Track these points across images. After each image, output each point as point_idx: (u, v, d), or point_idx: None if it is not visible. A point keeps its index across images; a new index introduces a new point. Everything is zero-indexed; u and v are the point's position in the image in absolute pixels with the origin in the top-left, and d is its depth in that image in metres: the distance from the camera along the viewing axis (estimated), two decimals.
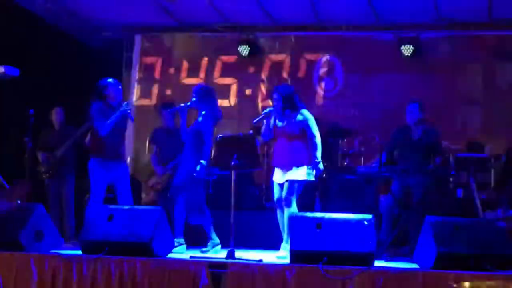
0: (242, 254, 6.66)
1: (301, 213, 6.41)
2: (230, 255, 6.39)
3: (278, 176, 7.27)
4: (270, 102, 11.08)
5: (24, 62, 8.50)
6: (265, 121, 7.33)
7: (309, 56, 11.14)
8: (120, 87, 7.76)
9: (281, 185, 7.23)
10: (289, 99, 7.23)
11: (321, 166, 7.17)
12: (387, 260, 7.13)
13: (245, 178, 9.01)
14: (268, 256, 6.73)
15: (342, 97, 11.00)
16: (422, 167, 7.86)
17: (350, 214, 6.24)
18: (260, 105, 11.17)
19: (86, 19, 10.63)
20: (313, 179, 7.20)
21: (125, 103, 7.67)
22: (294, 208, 7.05)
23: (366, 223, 6.06)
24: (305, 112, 7.26)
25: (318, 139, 7.19)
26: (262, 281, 5.82)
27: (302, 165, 7.12)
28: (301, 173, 7.10)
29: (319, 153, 7.17)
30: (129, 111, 7.60)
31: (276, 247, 7.24)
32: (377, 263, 6.14)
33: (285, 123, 7.27)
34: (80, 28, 10.75)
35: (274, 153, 7.43)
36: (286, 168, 7.15)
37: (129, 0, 9.99)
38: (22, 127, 8.45)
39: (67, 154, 8.72)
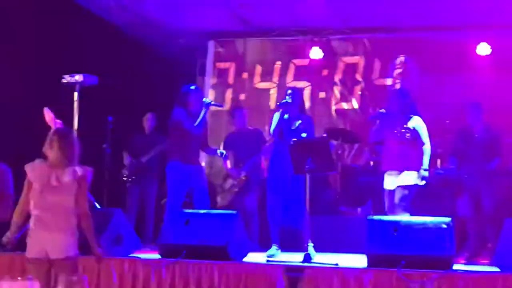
0: (318, 258, 6.65)
1: (378, 217, 6.36)
2: (307, 258, 6.38)
3: (389, 182, 7.23)
4: (344, 105, 11.08)
5: (102, 70, 8.69)
6: (377, 121, 7.33)
7: (383, 58, 11.02)
8: (201, 94, 7.90)
9: (391, 192, 7.17)
10: (407, 104, 7.24)
11: (426, 173, 7.10)
12: (465, 264, 7.01)
13: (319, 182, 8.98)
14: (344, 260, 6.69)
15: (417, 99, 10.83)
16: (488, 167, 7.74)
17: (427, 217, 6.16)
18: (334, 108, 11.12)
19: (161, 27, 10.78)
20: (424, 183, 7.13)
21: (205, 98, 7.85)
22: (407, 214, 6.99)
23: (444, 226, 5.97)
24: (417, 119, 7.23)
25: (427, 146, 7.15)
26: (338, 285, 5.80)
27: (413, 169, 7.07)
28: (412, 178, 7.05)
29: (426, 160, 7.11)
30: (211, 101, 7.77)
31: (352, 250, 7.20)
32: (455, 267, 6.04)
33: (397, 127, 7.24)
34: (155, 36, 10.92)
35: (384, 156, 7.40)
36: (398, 171, 7.12)
37: (202, 7, 10.10)
38: (101, 134, 8.66)
39: (152, 161, 8.88)
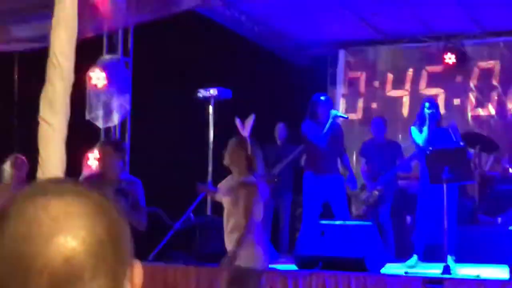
0: (458, 269, 6.48)
1: None
2: (446, 270, 6.23)
3: None
4: (480, 111, 10.75)
5: (233, 83, 8.85)
6: None
7: None
8: (331, 104, 7.89)
9: None
10: None
11: None
12: None
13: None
14: (485, 271, 6.48)
15: None
16: None
17: None
18: (469, 114, 10.81)
19: (292, 39, 10.87)
20: None
21: (332, 110, 7.84)
22: None
23: None
24: None
25: None
26: None
27: None
28: None
29: None
30: (337, 113, 7.75)
31: (492, 261, 6.97)
32: None
33: None
34: (286, 47, 11.01)
35: None
36: None
37: (332, 17, 10.10)
38: None
39: (284, 172, 8.95)
